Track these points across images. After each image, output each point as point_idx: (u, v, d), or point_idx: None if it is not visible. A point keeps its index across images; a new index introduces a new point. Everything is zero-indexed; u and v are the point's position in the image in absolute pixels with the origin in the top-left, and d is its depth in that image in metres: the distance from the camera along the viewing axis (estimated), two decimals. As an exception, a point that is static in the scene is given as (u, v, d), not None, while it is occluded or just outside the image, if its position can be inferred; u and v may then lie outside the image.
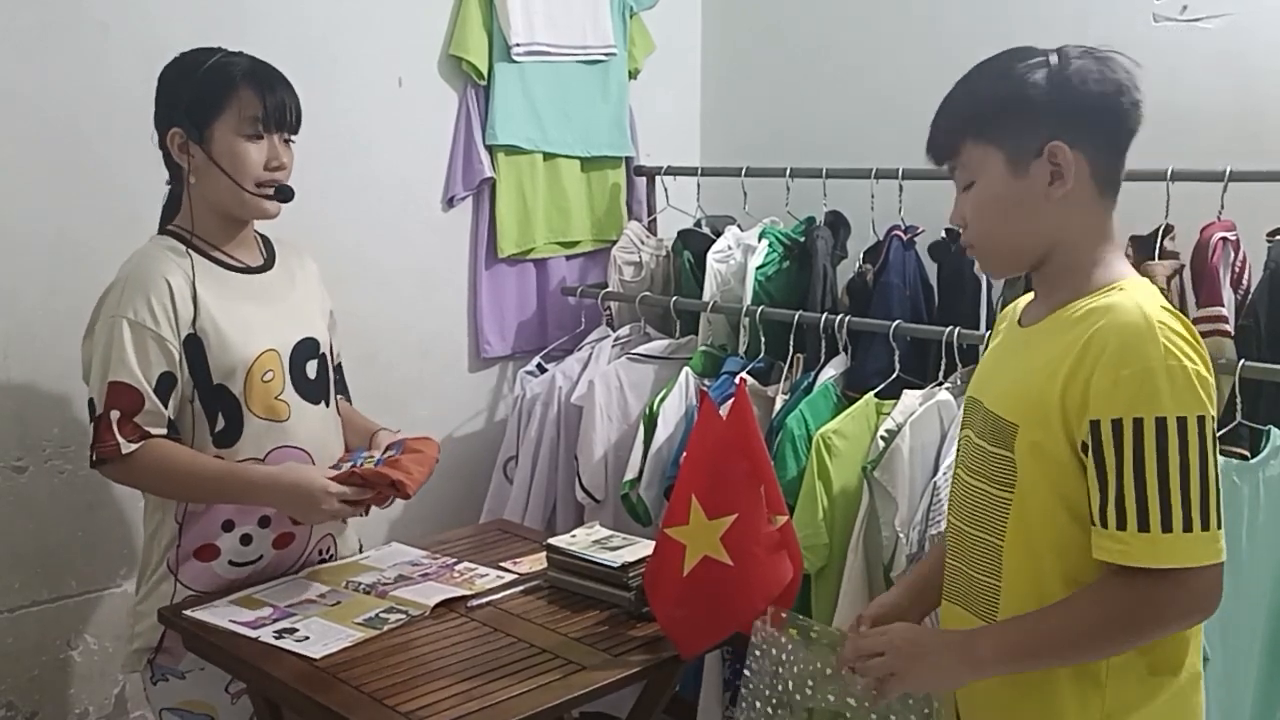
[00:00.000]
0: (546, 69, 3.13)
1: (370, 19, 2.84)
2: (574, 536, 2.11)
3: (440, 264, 3.08)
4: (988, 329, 2.52)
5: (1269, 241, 2.35)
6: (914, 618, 1.66)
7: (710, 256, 2.98)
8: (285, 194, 2.01)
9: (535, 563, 2.15)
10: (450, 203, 3.07)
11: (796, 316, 2.76)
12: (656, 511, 2.74)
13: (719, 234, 3.09)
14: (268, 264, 2.09)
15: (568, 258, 3.33)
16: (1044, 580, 1.46)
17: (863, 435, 2.48)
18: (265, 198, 1.98)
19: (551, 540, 2.11)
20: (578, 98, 3.22)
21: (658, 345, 3.01)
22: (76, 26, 2.40)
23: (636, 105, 3.39)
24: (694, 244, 3.13)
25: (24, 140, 2.36)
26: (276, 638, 1.83)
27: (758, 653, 1.65)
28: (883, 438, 2.41)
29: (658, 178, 3.35)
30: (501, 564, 2.16)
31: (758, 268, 2.92)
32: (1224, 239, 2.36)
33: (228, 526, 2.00)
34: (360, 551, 2.23)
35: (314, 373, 2.07)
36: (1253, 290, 2.36)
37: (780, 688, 1.60)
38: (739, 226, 3.13)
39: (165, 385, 1.92)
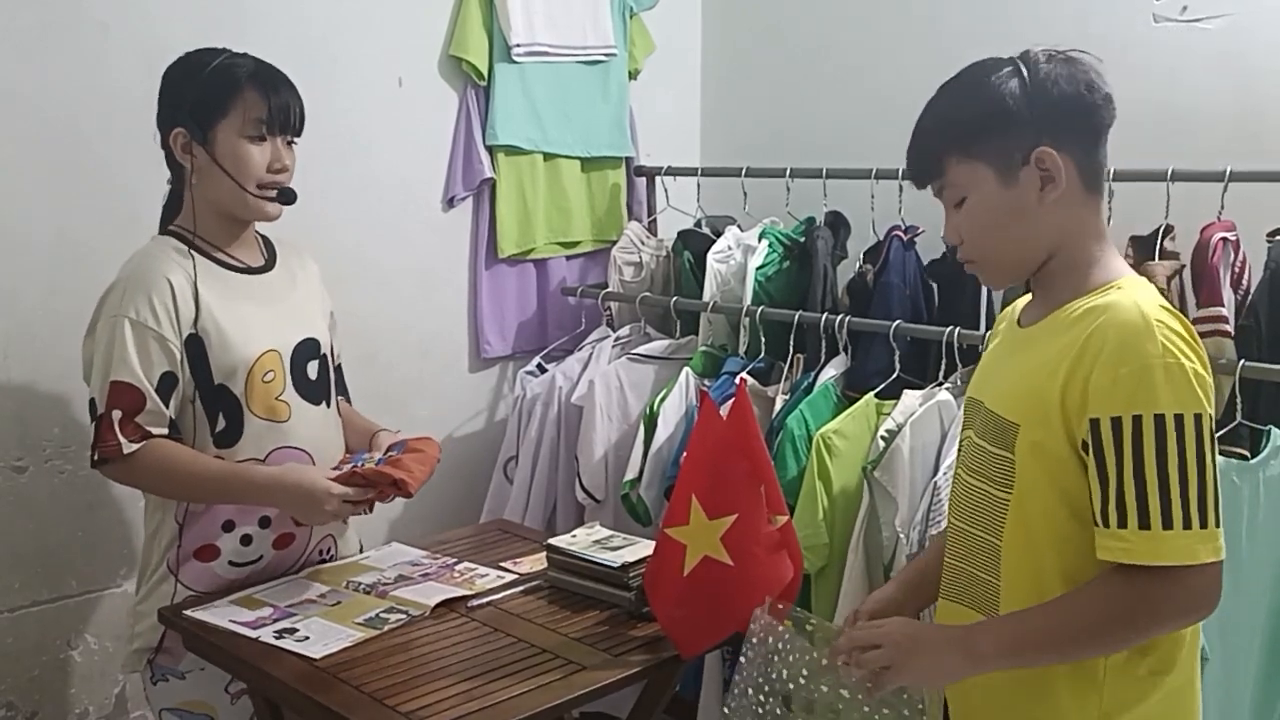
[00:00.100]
0: (547, 69, 3.13)
1: (370, 19, 2.84)
2: (574, 536, 2.11)
3: (440, 264, 3.08)
4: (988, 329, 2.52)
5: (1269, 241, 2.35)
6: (910, 612, 1.66)
7: (710, 257, 2.98)
8: (288, 196, 2.01)
9: (535, 563, 2.15)
10: (450, 203, 3.07)
11: (796, 316, 2.77)
12: (656, 511, 2.74)
13: (719, 234, 3.09)
14: (269, 264, 2.09)
15: (568, 258, 3.33)
16: (1043, 578, 1.46)
17: (863, 435, 2.48)
18: (267, 199, 1.99)
19: (551, 540, 2.11)
20: (578, 98, 3.22)
21: (658, 345, 3.01)
22: (76, 26, 2.40)
23: (636, 105, 3.39)
24: (694, 244, 3.13)
25: (24, 140, 2.36)
26: (277, 638, 1.83)
27: (754, 640, 1.64)
28: (883, 438, 2.42)
29: (658, 178, 3.35)
30: (502, 564, 2.16)
31: (758, 268, 2.92)
32: (1224, 239, 2.36)
33: (228, 527, 2.00)
34: (361, 552, 2.23)
35: (315, 373, 2.07)
36: (1253, 290, 2.36)
37: (774, 675, 1.60)
38: (739, 226, 3.13)
39: (167, 385, 1.92)
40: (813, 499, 2.44)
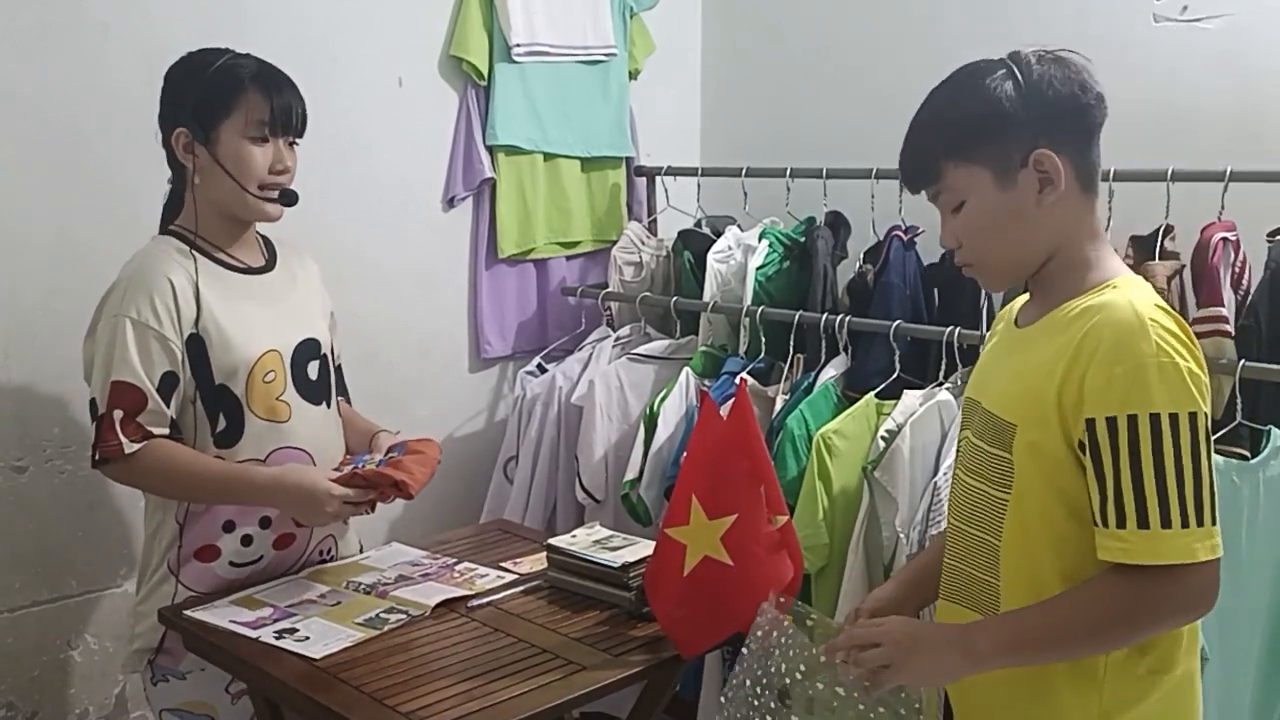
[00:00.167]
0: (547, 69, 3.13)
1: (370, 19, 2.84)
2: (574, 536, 2.11)
3: (440, 264, 3.08)
4: (987, 329, 2.52)
5: (1269, 241, 2.35)
6: (910, 611, 1.66)
7: (710, 257, 2.98)
8: (289, 198, 2.01)
9: (535, 563, 2.15)
10: (450, 203, 3.07)
11: (797, 316, 2.77)
12: (656, 511, 2.74)
13: (719, 234, 3.09)
14: (269, 265, 2.09)
15: (568, 258, 3.33)
16: (1042, 578, 1.46)
17: (863, 435, 2.48)
18: (269, 200, 1.99)
19: (552, 540, 2.11)
20: (578, 98, 3.22)
21: (658, 345, 3.01)
22: (76, 26, 2.40)
23: (636, 105, 3.39)
24: (694, 244, 3.13)
25: (24, 140, 2.36)
26: (277, 638, 1.83)
27: (759, 633, 1.64)
28: (883, 438, 2.42)
29: (658, 178, 3.35)
30: (502, 564, 2.16)
31: (758, 268, 2.92)
32: (1224, 239, 2.36)
33: (228, 527, 2.00)
34: (361, 552, 2.23)
35: (315, 374, 2.07)
36: (1253, 290, 2.36)
37: (771, 669, 1.59)
38: (739, 226, 3.13)
39: (168, 385, 1.92)
40: (813, 499, 2.44)
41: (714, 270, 2.96)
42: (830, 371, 2.70)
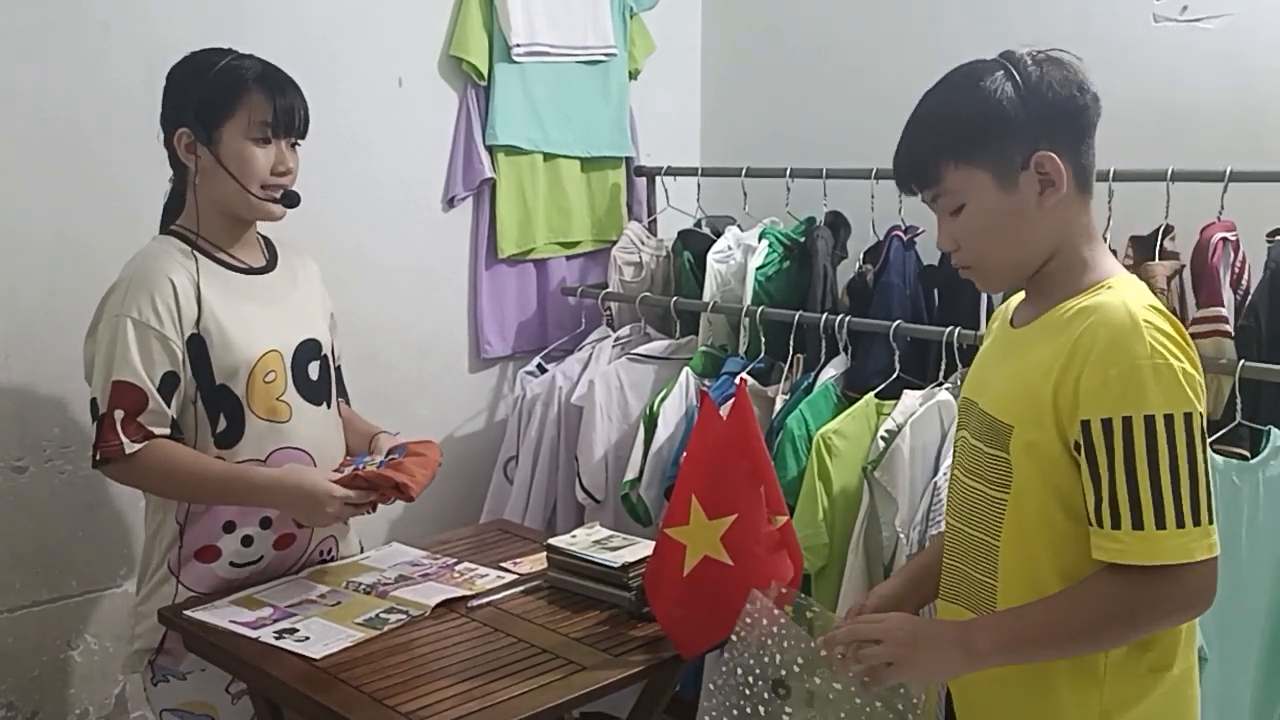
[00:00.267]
0: (547, 69, 3.13)
1: (370, 19, 2.84)
2: (574, 537, 2.11)
3: (440, 264, 3.08)
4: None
5: (1269, 241, 2.35)
6: (911, 608, 1.66)
7: (710, 257, 2.98)
8: (291, 199, 2.01)
9: (535, 563, 2.15)
10: (450, 203, 3.07)
11: (796, 317, 2.77)
12: (656, 511, 2.74)
13: (719, 234, 3.09)
14: (270, 265, 2.09)
15: (568, 258, 3.33)
16: (1040, 578, 1.46)
17: (863, 435, 2.48)
18: (271, 201, 1.99)
19: (551, 540, 2.11)
20: (578, 98, 3.22)
21: (658, 345, 3.01)
22: (76, 26, 2.40)
23: (636, 105, 3.39)
24: (694, 244, 3.13)
25: (24, 140, 2.36)
26: (277, 638, 1.83)
27: (748, 620, 1.62)
28: (883, 438, 2.42)
29: (658, 178, 3.35)
30: (502, 564, 2.16)
31: (758, 268, 2.92)
32: (1224, 239, 2.36)
33: (229, 528, 2.00)
34: (361, 552, 2.23)
35: (316, 374, 2.07)
36: (1253, 290, 2.36)
37: (766, 659, 1.59)
38: (739, 227, 3.13)
39: (169, 385, 1.92)
40: (813, 499, 2.44)
41: (714, 270, 2.96)
42: (830, 371, 2.70)
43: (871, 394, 2.56)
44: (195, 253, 1.97)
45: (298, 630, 1.85)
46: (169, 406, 1.92)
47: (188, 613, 1.92)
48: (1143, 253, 2.46)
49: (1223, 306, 2.32)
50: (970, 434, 1.56)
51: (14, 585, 2.44)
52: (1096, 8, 2.80)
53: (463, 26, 2.97)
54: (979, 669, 1.48)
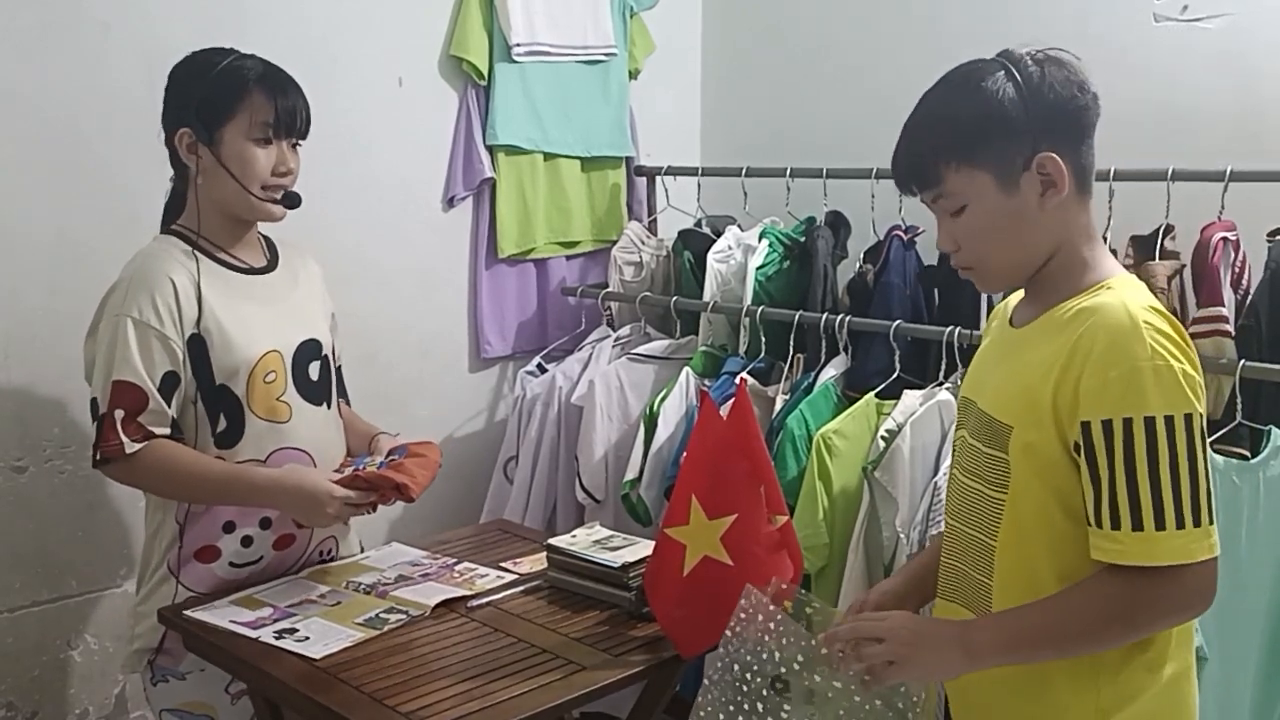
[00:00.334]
0: (547, 69, 3.13)
1: (370, 19, 2.84)
2: (574, 536, 2.11)
3: (440, 264, 3.08)
4: (987, 328, 2.52)
5: (1269, 241, 2.35)
6: (911, 607, 1.66)
7: (710, 256, 2.98)
8: (292, 200, 2.01)
9: (535, 563, 2.15)
10: (450, 203, 3.07)
11: (797, 316, 2.77)
12: (656, 511, 2.74)
13: (719, 234, 3.09)
14: (271, 265, 2.09)
15: (568, 258, 3.33)
16: (1037, 578, 1.46)
17: (863, 435, 2.48)
18: (271, 202, 1.98)
19: (552, 540, 2.11)
20: (578, 98, 3.22)
21: (658, 345, 3.01)
22: (76, 26, 2.40)
23: (636, 105, 3.39)
24: (694, 244, 3.13)
25: (24, 140, 2.36)
26: (277, 638, 1.83)
27: (742, 615, 1.62)
28: (883, 438, 2.42)
29: (658, 178, 3.35)
30: (502, 564, 2.16)
31: (758, 268, 2.92)
32: (1224, 239, 2.36)
33: (229, 528, 2.00)
34: (362, 552, 2.23)
35: (316, 374, 2.07)
36: (1253, 290, 2.36)
37: (764, 655, 1.58)
38: (739, 226, 3.13)
39: (169, 385, 1.92)
40: (813, 499, 2.44)
41: (714, 270, 2.96)
42: (830, 371, 2.70)
43: (871, 394, 2.57)
44: (196, 253, 1.97)
45: (298, 630, 1.85)
46: (169, 406, 1.92)
47: (188, 613, 1.92)
48: (1143, 252, 2.46)
49: (1223, 306, 2.32)
50: (969, 433, 1.56)
51: (14, 585, 2.44)
52: (1096, 8, 2.80)
53: (463, 26, 2.97)
54: (979, 669, 1.48)
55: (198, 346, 1.93)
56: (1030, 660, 1.46)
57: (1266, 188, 2.35)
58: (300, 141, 2.02)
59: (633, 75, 3.38)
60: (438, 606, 1.95)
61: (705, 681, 1.64)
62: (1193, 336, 2.02)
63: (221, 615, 1.90)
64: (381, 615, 1.91)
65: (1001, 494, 1.49)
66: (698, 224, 3.21)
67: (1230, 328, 2.31)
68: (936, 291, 2.81)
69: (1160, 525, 1.35)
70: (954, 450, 1.63)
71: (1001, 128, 1.44)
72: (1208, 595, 1.39)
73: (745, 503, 1.77)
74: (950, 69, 1.51)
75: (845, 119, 3.25)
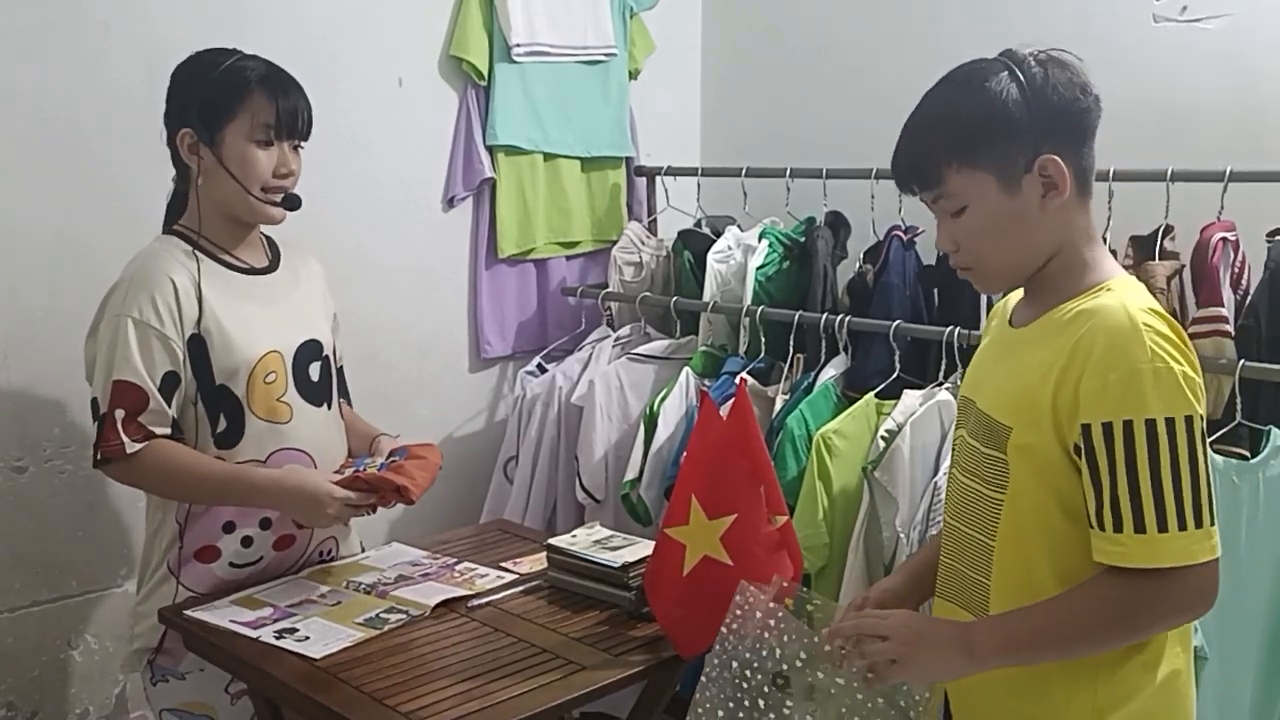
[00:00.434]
0: (547, 69, 3.13)
1: (370, 19, 2.84)
2: (574, 536, 2.12)
3: (440, 264, 3.08)
4: (987, 329, 2.52)
5: (1269, 241, 2.35)
6: (912, 605, 1.66)
7: (710, 257, 2.98)
8: (292, 202, 2.01)
9: (535, 563, 2.15)
10: (450, 203, 3.07)
11: (796, 316, 2.77)
12: (656, 511, 2.74)
13: (719, 234, 3.09)
14: (273, 265, 2.09)
15: (568, 258, 3.33)
16: (1035, 579, 1.46)
17: (863, 435, 2.48)
18: (271, 203, 1.98)
19: (552, 540, 2.11)
20: (578, 98, 3.22)
21: (658, 345, 3.01)
22: (76, 26, 2.40)
23: (636, 105, 3.39)
24: (694, 244, 3.13)
25: (24, 140, 2.36)
26: (277, 638, 1.83)
27: (738, 612, 1.62)
28: (883, 438, 2.42)
29: (658, 178, 3.35)
30: (502, 564, 2.16)
31: (758, 268, 2.92)
32: (1224, 239, 2.36)
33: (229, 528, 2.00)
34: (362, 552, 2.23)
35: (317, 375, 2.07)
36: (1253, 290, 2.36)
37: (764, 653, 1.58)
38: (739, 227, 3.13)
39: (169, 385, 1.92)
40: (813, 499, 2.44)
41: (714, 270, 2.96)
42: (830, 371, 2.70)
43: (871, 394, 2.56)
44: (197, 253, 1.97)
45: (298, 630, 1.86)
46: (170, 406, 1.92)
47: (188, 612, 1.92)
48: (1143, 253, 2.46)
49: (1223, 306, 2.32)
50: (968, 433, 1.56)
51: (14, 585, 2.44)
52: (1096, 8, 2.80)
53: (463, 26, 2.97)
54: (981, 671, 1.48)
55: (198, 347, 1.93)
56: (1031, 662, 1.46)
57: (1266, 188, 2.35)
58: (302, 143, 2.02)
59: (633, 75, 3.38)
60: (438, 606, 1.95)
61: (703, 679, 1.64)
62: (1192, 337, 2.02)
63: (221, 615, 1.90)
64: (382, 615, 1.91)
65: (1000, 494, 1.49)
66: (698, 224, 3.21)
67: (1230, 328, 2.31)
68: (936, 291, 2.81)
69: (1162, 527, 1.35)
70: (954, 450, 1.63)
71: (1004, 129, 1.43)
72: (1209, 596, 1.39)
73: (745, 503, 1.77)
74: (952, 68, 1.51)
75: (845, 119, 3.25)
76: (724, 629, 1.63)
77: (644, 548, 2.01)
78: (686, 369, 2.86)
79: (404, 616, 1.91)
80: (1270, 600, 2.20)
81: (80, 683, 2.56)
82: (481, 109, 3.05)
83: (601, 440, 2.87)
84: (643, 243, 3.24)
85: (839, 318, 2.71)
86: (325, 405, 2.09)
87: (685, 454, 1.87)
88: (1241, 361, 2.20)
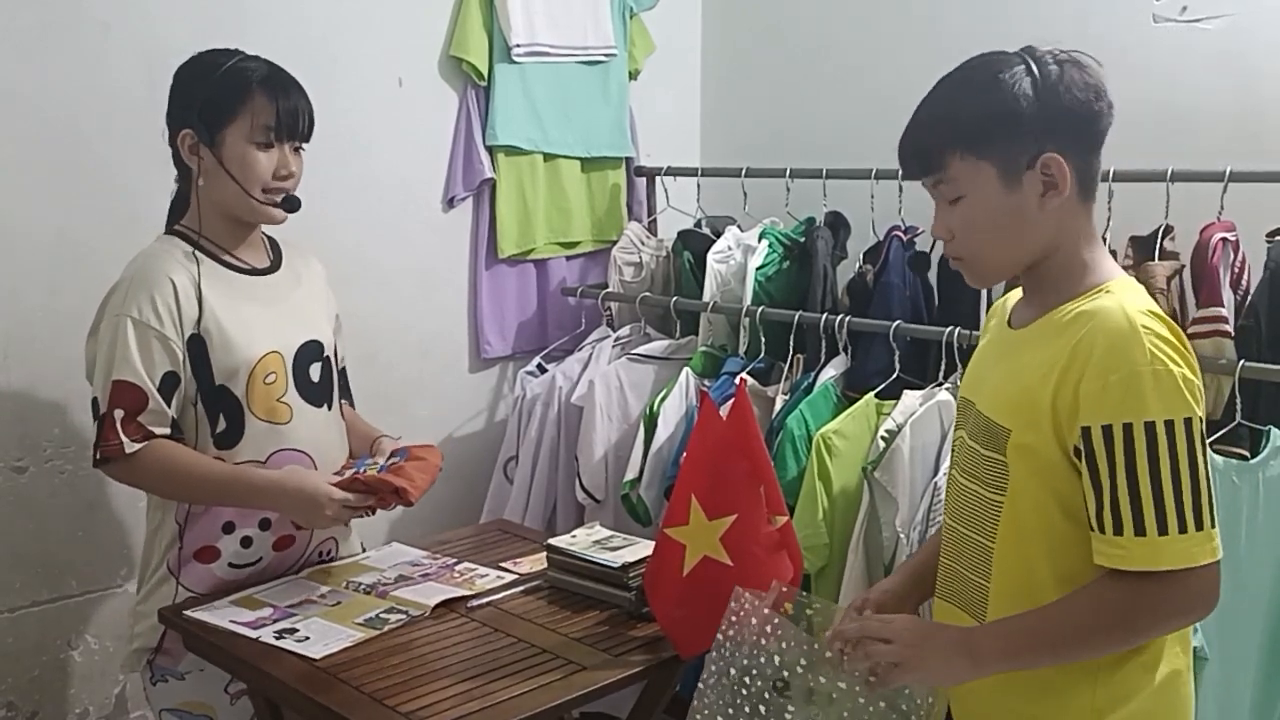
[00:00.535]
0: (547, 69, 3.13)
1: (370, 19, 2.84)
2: (574, 537, 2.12)
3: (440, 264, 3.08)
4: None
5: (1269, 241, 2.35)
6: (912, 606, 1.66)
7: (710, 257, 2.98)
8: (292, 204, 2.00)
9: (535, 563, 2.15)
10: (450, 203, 3.07)
11: (796, 317, 2.77)
12: (656, 511, 2.74)
13: (719, 234, 3.09)
14: (274, 266, 2.09)
15: (568, 258, 3.33)
16: (1034, 580, 1.46)
17: (863, 435, 2.48)
18: (272, 205, 1.98)
19: (551, 540, 2.11)
20: (578, 98, 3.22)
21: (658, 345, 3.01)
22: (76, 26, 2.40)
23: (636, 105, 3.39)
24: (694, 244, 3.13)
25: (24, 140, 2.36)
26: (277, 638, 1.83)
27: (734, 619, 1.61)
28: (883, 438, 2.42)
29: (658, 178, 3.35)
30: (502, 564, 2.16)
31: (758, 268, 2.92)
32: (1224, 239, 2.36)
33: (228, 528, 2.00)
34: (362, 552, 2.23)
35: (317, 375, 2.07)
36: (1253, 290, 2.36)
37: (762, 659, 1.58)
38: (739, 227, 3.13)
39: (169, 385, 1.92)
40: (813, 499, 2.44)
41: (714, 270, 2.96)
42: (830, 371, 2.70)
43: (871, 394, 2.56)
44: (197, 253, 1.97)
45: (298, 630, 1.86)
46: (169, 406, 1.92)
47: (188, 613, 1.92)
48: (1143, 253, 2.46)
49: (1223, 306, 2.32)
50: (967, 434, 1.56)
51: (14, 585, 2.44)
52: (1096, 8, 2.80)
53: (463, 26, 2.97)
54: (984, 675, 1.48)
55: (197, 347, 1.93)
56: (1034, 666, 1.46)
57: (1266, 188, 2.35)
58: (303, 145, 2.02)
59: (633, 76, 3.38)
60: (438, 606, 1.95)
61: (700, 685, 1.64)
62: (1192, 337, 2.02)
63: (221, 615, 1.90)
64: (381, 615, 1.91)
65: (999, 496, 1.49)
66: (697, 224, 3.21)
67: (1230, 328, 2.31)
68: (936, 292, 2.81)
69: (1163, 530, 1.35)
70: (953, 450, 1.63)
71: (1012, 123, 1.43)
72: (1211, 599, 1.39)
73: (745, 503, 1.77)
74: (971, 57, 1.50)
75: (845, 119, 3.25)
76: (720, 635, 1.63)
77: (644, 548, 2.01)
78: (686, 369, 2.86)
79: (404, 617, 1.91)
80: (1270, 600, 2.20)
81: (80, 683, 2.56)
82: (481, 109, 3.05)
83: (601, 440, 2.87)
84: (643, 243, 3.24)
85: (839, 318, 2.71)
86: (325, 406, 2.09)
87: (685, 454, 1.87)
88: (1241, 362, 2.20)
